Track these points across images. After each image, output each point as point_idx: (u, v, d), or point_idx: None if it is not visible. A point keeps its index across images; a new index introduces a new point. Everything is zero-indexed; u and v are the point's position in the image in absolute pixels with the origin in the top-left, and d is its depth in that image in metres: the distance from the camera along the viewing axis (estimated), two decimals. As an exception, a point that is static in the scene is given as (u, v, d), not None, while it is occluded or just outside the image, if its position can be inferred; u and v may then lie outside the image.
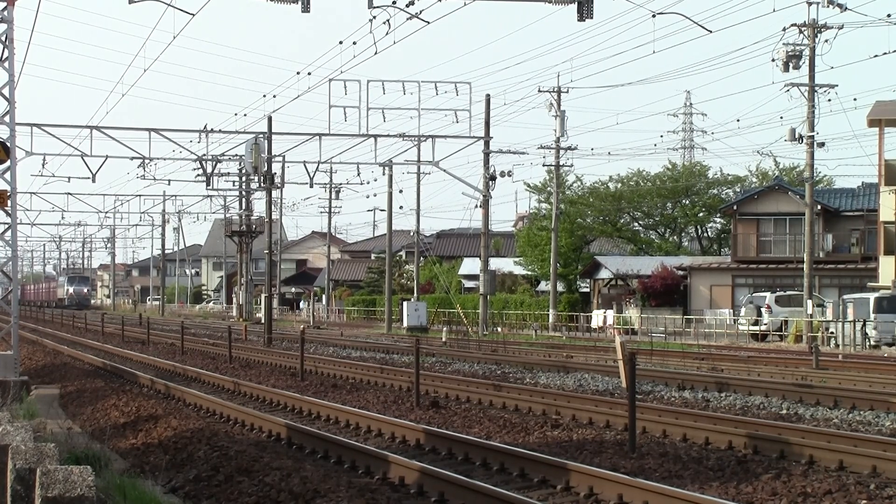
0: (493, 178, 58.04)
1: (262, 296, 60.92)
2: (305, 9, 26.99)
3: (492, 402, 22.00)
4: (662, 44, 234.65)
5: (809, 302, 48.38)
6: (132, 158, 53.79)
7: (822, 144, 49.23)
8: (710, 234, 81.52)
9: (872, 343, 43.99)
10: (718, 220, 78.21)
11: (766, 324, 51.07)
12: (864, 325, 43.55)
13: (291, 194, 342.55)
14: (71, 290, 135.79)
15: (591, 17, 27.56)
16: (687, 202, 79.61)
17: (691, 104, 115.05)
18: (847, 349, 42.17)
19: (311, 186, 57.77)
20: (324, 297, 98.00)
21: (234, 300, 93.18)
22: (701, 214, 79.11)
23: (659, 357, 35.20)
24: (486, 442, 15.92)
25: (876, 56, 48.53)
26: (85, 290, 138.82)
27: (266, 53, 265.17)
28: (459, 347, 42.89)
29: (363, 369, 30.46)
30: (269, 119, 51.70)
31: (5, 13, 24.37)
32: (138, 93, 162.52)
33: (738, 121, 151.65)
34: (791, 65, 47.47)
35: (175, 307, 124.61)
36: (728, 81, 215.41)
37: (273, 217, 57.50)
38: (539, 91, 61.86)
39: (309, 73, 50.81)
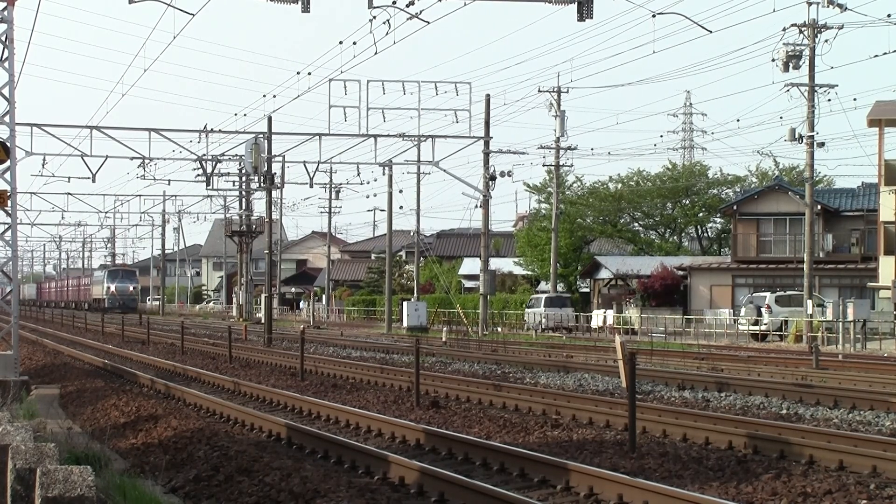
0: (493, 178, 58.06)
1: (262, 296, 60.93)
2: (305, 9, 26.99)
3: (492, 402, 22.00)
4: (662, 44, 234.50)
5: (809, 302, 48.40)
6: (132, 158, 53.87)
7: (822, 144, 49.25)
8: (710, 234, 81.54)
9: (543, 328, 58.20)
10: (718, 220, 78.25)
11: (766, 324, 51.06)
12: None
13: (291, 194, 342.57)
14: (112, 287, 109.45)
15: (591, 17, 27.56)
16: (687, 202, 79.64)
17: (691, 104, 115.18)
18: (847, 348, 42.20)
19: (311, 186, 57.80)
20: (324, 297, 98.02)
21: (235, 300, 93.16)
22: (701, 214, 79.14)
23: (659, 357, 35.20)
24: (486, 442, 15.92)
25: (876, 56, 48.47)
26: (131, 289, 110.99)
27: (266, 53, 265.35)
28: (459, 347, 42.89)
29: (363, 369, 30.46)
30: (269, 119, 51.74)
31: (5, 13, 24.37)
32: (138, 93, 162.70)
33: (738, 121, 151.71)
34: (791, 65, 47.46)
35: (175, 307, 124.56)
36: (728, 81, 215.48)
37: (273, 217, 57.53)
38: (539, 91, 61.94)
39: (309, 73, 50.72)
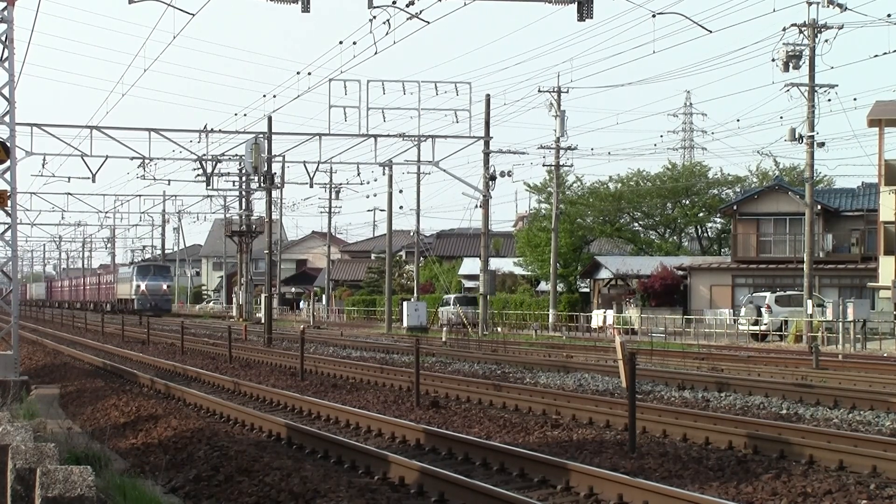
0: (493, 178, 58.05)
1: (262, 296, 60.91)
2: (305, 9, 26.99)
3: (492, 402, 22.00)
4: (662, 44, 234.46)
5: (809, 302, 48.39)
6: (132, 158, 53.86)
7: (822, 144, 49.22)
8: (710, 234, 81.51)
9: (452, 323, 61.04)
10: (718, 220, 78.20)
11: (766, 324, 51.06)
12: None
13: (291, 194, 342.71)
14: (143, 286, 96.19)
15: (591, 17, 27.55)
16: (687, 202, 79.59)
17: (691, 104, 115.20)
18: (845, 347, 42.19)
19: (311, 186, 57.79)
20: (324, 297, 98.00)
21: (234, 300, 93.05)
22: (701, 214, 79.09)
23: (659, 357, 35.19)
24: (486, 442, 15.92)
25: (876, 56, 48.54)
26: (164, 287, 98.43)
27: (266, 53, 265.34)
28: (459, 347, 42.90)
29: (363, 369, 30.46)
30: (269, 119, 51.72)
31: (5, 13, 24.37)
32: (138, 93, 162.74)
33: (738, 121, 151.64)
34: (791, 65, 47.45)
35: (175, 307, 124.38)
36: (728, 81, 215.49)
37: (273, 217, 57.51)
38: (539, 91, 61.88)
39: (309, 73, 50.98)
